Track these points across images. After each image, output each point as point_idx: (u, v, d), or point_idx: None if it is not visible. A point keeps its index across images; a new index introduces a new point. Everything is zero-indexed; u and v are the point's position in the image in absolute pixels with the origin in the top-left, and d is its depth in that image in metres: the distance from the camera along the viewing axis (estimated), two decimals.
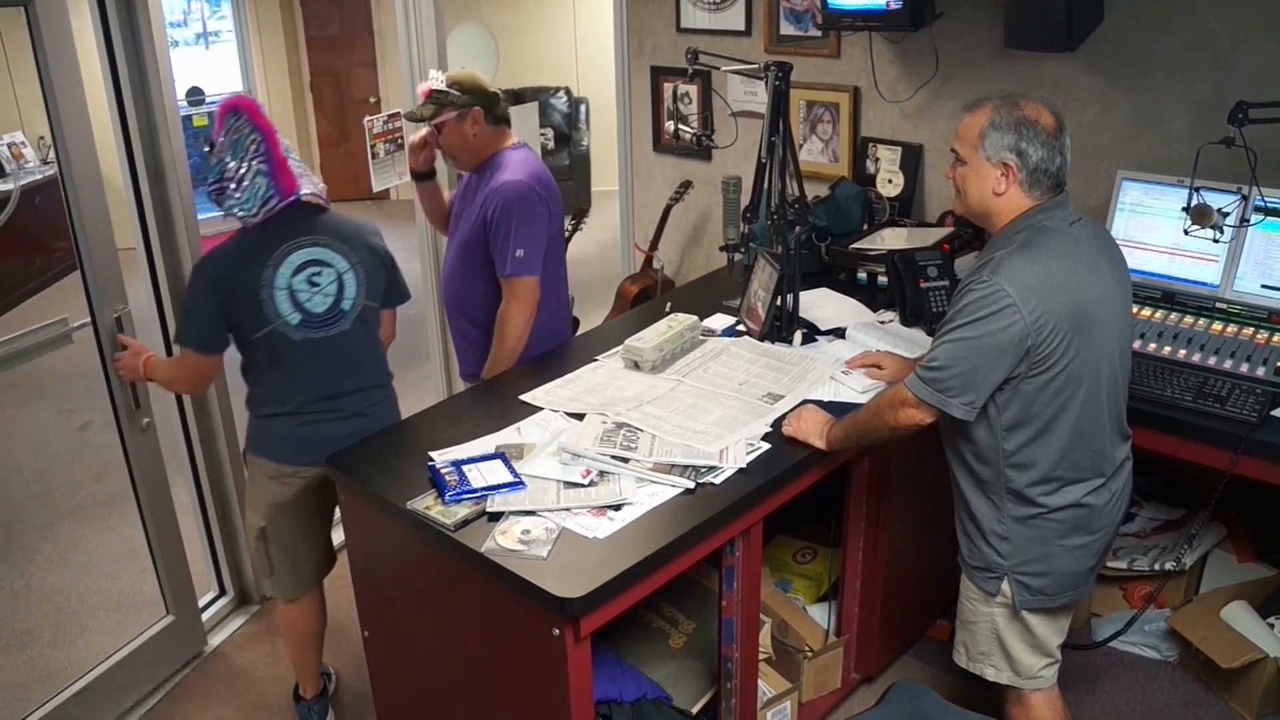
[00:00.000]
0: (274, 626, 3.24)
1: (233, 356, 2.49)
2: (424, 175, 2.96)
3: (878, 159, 3.48)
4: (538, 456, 2.19)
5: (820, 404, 2.38)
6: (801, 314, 2.79)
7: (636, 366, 2.60)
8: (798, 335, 2.74)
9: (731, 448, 2.20)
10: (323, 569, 2.72)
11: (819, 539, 2.96)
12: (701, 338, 2.77)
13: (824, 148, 3.63)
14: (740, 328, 2.86)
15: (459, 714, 2.25)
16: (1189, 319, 2.65)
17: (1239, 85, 2.65)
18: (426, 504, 2.04)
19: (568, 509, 2.01)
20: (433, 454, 2.22)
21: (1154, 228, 2.75)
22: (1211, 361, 2.52)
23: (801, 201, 2.71)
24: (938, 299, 2.79)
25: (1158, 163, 2.84)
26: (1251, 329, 2.56)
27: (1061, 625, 2.22)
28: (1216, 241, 2.54)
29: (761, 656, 2.47)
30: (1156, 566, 2.91)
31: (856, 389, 2.48)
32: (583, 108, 7.96)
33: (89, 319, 2.67)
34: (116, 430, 2.80)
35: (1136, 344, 2.58)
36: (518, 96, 6.32)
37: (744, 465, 2.16)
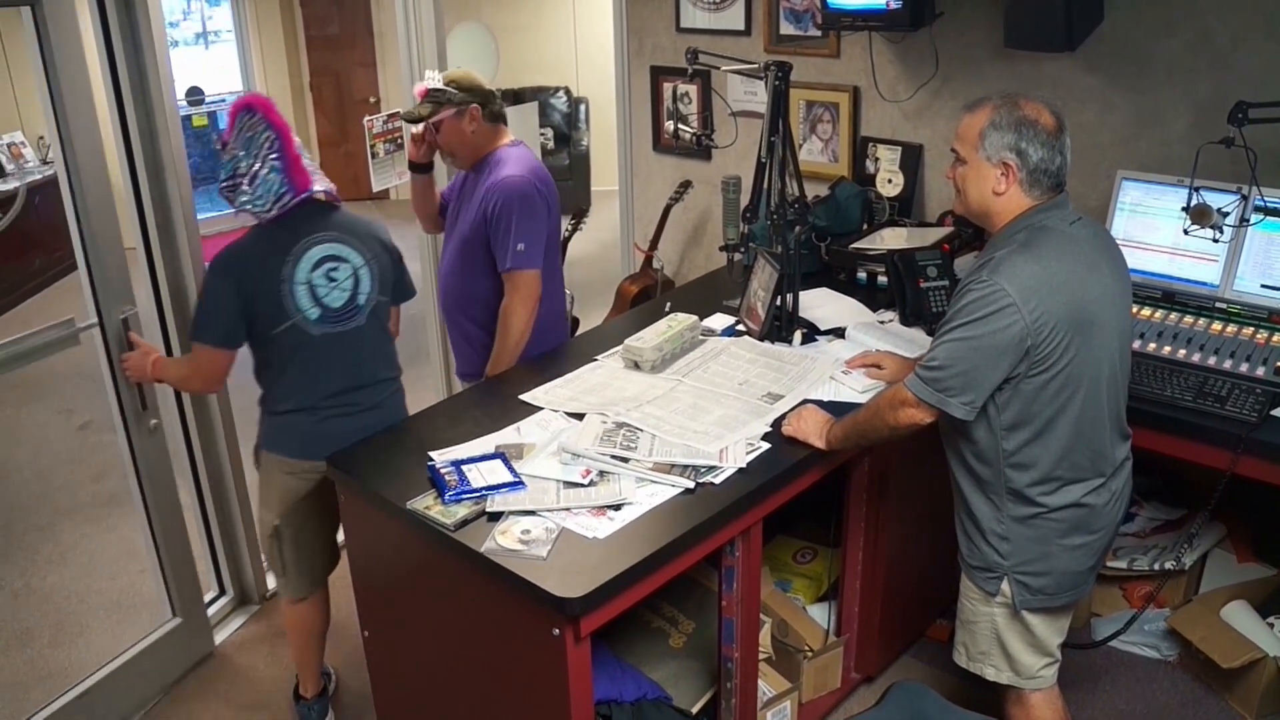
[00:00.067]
0: (274, 626, 3.24)
1: (237, 356, 2.48)
2: (422, 168, 2.98)
3: (877, 159, 3.48)
4: (538, 456, 2.19)
5: (820, 404, 2.38)
6: (801, 314, 2.79)
7: (636, 366, 2.60)
8: (797, 335, 2.74)
9: (731, 447, 2.20)
10: (329, 567, 2.74)
11: (819, 539, 2.96)
12: (701, 338, 2.77)
13: (824, 147, 3.63)
14: (740, 327, 2.86)
15: (459, 714, 2.25)
16: (1189, 319, 2.65)
17: (1239, 85, 2.66)
18: (426, 504, 2.04)
19: (568, 509, 2.01)
20: (432, 454, 2.22)
21: (1154, 228, 2.75)
22: (1211, 361, 2.53)
23: (801, 201, 2.71)
24: (937, 299, 2.79)
25: (1158, 163, 2.85)
26: (1251, 329, 2.56)
27: (1061, 625, 2.22)
28: (1216, 241, 2.54)
29: (761, 656, 2.46)
30: (1156, 566, 2.91)
31: (856, 389, 2.48)
32: (582, 107, 7.96)
33: (94, 320, 2.65)
34: (119, 431, 2.79)
35: (1136, 344, 2.58)
36: (518, 96, 6.34)
37: (744, 465, 2.16)
